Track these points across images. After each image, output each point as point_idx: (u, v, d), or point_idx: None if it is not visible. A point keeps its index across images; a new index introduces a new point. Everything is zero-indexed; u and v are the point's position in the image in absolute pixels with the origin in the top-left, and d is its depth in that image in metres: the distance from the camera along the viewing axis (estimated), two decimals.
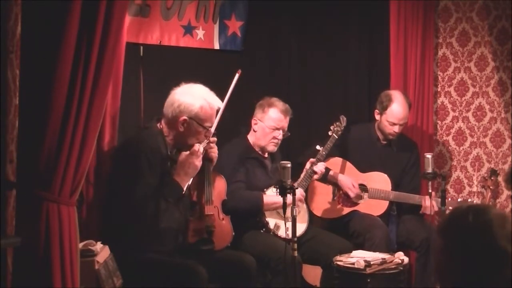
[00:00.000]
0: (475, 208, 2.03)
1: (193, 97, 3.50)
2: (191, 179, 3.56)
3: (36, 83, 2.68)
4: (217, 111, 3.66)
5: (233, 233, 3.86)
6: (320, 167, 4.35)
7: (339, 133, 4.46)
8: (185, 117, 3.47)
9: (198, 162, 3.49)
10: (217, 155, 3.76)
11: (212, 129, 3.67)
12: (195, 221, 3.68)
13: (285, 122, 4.31)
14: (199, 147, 3.51)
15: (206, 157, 3.68)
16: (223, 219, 3.81)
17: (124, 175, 3.38)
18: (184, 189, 3.50)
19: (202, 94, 3.53)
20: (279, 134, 4.30)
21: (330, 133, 4.45)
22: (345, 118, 4.53)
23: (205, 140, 3.59)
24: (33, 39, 2.69)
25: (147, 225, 3.36)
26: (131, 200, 3.32)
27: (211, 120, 3.55)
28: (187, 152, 3.49)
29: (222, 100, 3.74)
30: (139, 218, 3.34)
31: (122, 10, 2.91)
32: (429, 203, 4.40)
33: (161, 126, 3.55)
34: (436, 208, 4.45)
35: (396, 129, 4.64)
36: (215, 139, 3.73)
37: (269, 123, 4.28)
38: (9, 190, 2.70)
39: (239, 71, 4.04)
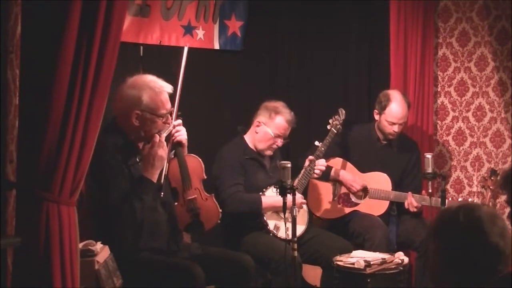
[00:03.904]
0: (465, 208, 2.04)
1: (138, 89, 3.38)
2: (166, 169, 3.48)
3: (36, 83, 2.68)
4: (174, 94, 3.53)
5: (220, 210, 3.81)
6: (321, 162, 4.34)
7: (338, 127, 4.44)
8: (136, 111, 3.36)
9: (162, 152, 3.38)
10: (186, 137, 3.64)
11: (174, 112, 3.56)
12: (179, 207, 3.65)
13: (288, 131, 4.31)
14: (159, 137, 3.40)
15: (175, 142, 3.60)
16: (206, 199, 3.76)
17: (94, 181, 3.32)
18: (162, 179, 3.42)
19: (146, 84, 3.40)
20: (280, 141, 4.30)
21: (328, 127, 4.43)
22: (343, 111, 4.50)
23: (168, 127, 3.49)
24: (33, 39, 2.69)
25: (127, 226, 3.32)
26: (106, 205, 3.29)
27: (164, 106, 3.41)
28: (149, 145, 3.41)
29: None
30: (120, 221, 3.30)
31: (122, 10, 2.91)
32: (409, 200, 4.48)
33: (120, 124, 3.44)
34: (415, 204, 4.51)
35: (395, 128, 4.64)
36: (179, 121, 3.60)
37: (274, 130, 4.26)
38: (9, 190, 2.70)
39: (187, 44, 3.93)
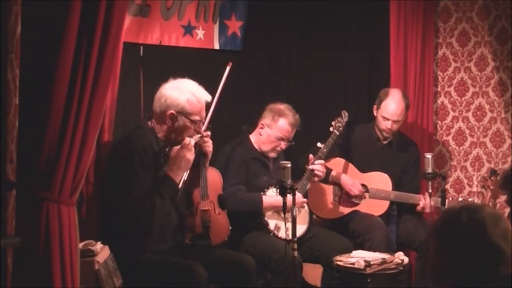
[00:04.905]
0: (468, 208, 2.03)
1: (180, 91, 3.47)
2: (186, 174, 3.55)
3: (36, 83, 2.69)
4: (209, 106, 3.65)
5: (230, 228, 3.83)
6: (317, 167, 4.31)
7: (341, 129, 4.44)
8: (172, 111, 3.45)
9: (190, 156, 3.46)
10: (211, 150, 3.72)
11: (205, 123, 3.65)
12: (191, 216, 3.67)
13: (292, 133, 4.30)
14: (190, 140, 3.48)
15: (201, 152, 3.66)
16: (219, 213, 3.79)
17: (118, 176, 3.38)
18: (180, 184, 3.48)
19: (189, 88, 3.50)
20: (284, 144, 4.29)
21: (331, 129, 4.42)
22: (346, 113, 4.50)
23: (198, 135, 3.56)
24: (33, 39, 2.70)
25: (143, 224, 3.36)
26: (127, 200, 3.31)
27: (199, 113, 3.51)
28: (178, 146, 3.47)
29: (215, 94, 3.71)
30: (136, 217, 3.33)
31: (122, 10, 2.91)
32: (427, 201, 4.42)
33: (152, 124, 3.53)
34: (433, 204, 4.43)
35: (388, 125, 4.60)
36: (208, 133, 3.69)
37: (277, 133, 4.26)
38: (9, 190, 2.71)
39: (230, 63, 4.01)
